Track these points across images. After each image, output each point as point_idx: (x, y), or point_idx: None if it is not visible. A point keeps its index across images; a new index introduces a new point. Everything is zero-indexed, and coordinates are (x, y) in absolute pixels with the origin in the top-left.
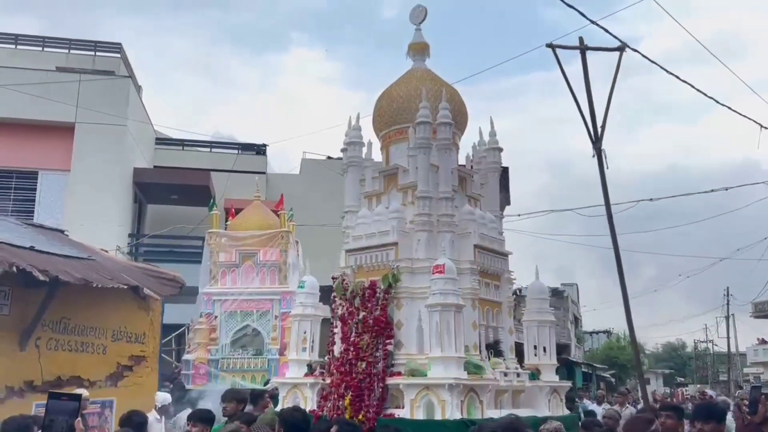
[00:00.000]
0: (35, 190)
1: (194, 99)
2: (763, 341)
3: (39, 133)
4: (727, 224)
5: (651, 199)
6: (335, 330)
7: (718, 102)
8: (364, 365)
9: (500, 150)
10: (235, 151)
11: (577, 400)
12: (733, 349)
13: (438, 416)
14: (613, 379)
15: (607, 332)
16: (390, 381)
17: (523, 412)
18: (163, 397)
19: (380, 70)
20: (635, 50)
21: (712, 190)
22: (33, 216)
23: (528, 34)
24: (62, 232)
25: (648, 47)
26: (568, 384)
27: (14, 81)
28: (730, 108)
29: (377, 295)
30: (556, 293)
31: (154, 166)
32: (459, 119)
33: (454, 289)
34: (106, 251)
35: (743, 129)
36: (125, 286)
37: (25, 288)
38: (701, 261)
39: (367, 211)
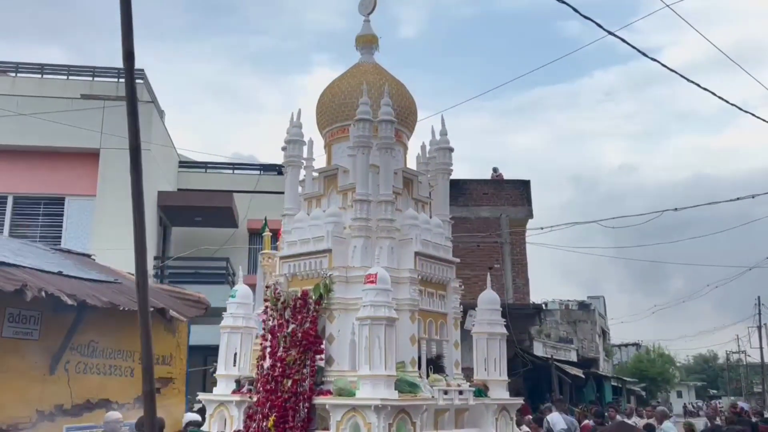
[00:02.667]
0: (62, 215)
1: (217, 122)
2: None
3: (65, 160)
4: (756, 232)
5: (676, 209)
6: (266, 343)
7: (741, 109)
8: (290, 383)
9: (451, 150)
10: (257, 172)
11: (606, 414)
12: (766, 360)
13: None
14: (643, 393)
15: (636, 345)
16: (317, 400)
17: None
18: (191, 417)
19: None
20: (654, 59)
21: (738, 198)
22: (60, 241)
23: (547, 46)
24: (89, 256)
25: (670, 57)
26: (518, 401)
27: (41, 110)
28: (753, 115)
29: (308, 306)
30: (582, 306)
31: (178, 189)
32: (406, 117)
33: (386, 300)
34: (132, 275)
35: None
36: (151, 309)
37: (53, 312)
38: (730, 270)
39: (304, 215)
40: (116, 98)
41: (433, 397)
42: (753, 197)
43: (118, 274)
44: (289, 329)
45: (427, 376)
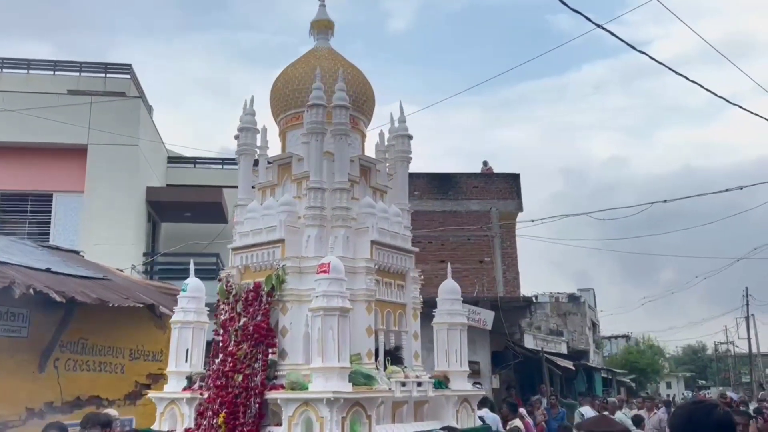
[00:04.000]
0: (50, 212)
1: (206, 117)
2: None
3: (52, 156)
4: (744, 224)
5: (665, 201)
6: (218, 338)
7: (728, 101)
8: (240, 378)
9: (409, 137)
10: None
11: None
12: (754, 350)
13: None
14: (633, 384)
15: (626, 336)
16: (269, 395)
17: (425, 426)
18: None
19: (392, 83)
20: (642, 52)
21: (727, 190)
22: (49, 238)
23: (536, 40)
24: (78, 253)
25: (659, 50)
26: (480, 392)
27: (27, 105)
28: (741, 107)
29: (260, 298)
30: (572, 299)
31: (167, 185)
32: (363, 104)
33: (340, 290)
34: (122, 271)
35: (757, 128)
36: (141, 305)
37: (42, 310)
38: (719, 262)
39: (257, 205)
40: (104, 93)
41: (390, 389)
42: (741, 188)
43: (107, 271)
44: (241, 323)
45: (385, 368)
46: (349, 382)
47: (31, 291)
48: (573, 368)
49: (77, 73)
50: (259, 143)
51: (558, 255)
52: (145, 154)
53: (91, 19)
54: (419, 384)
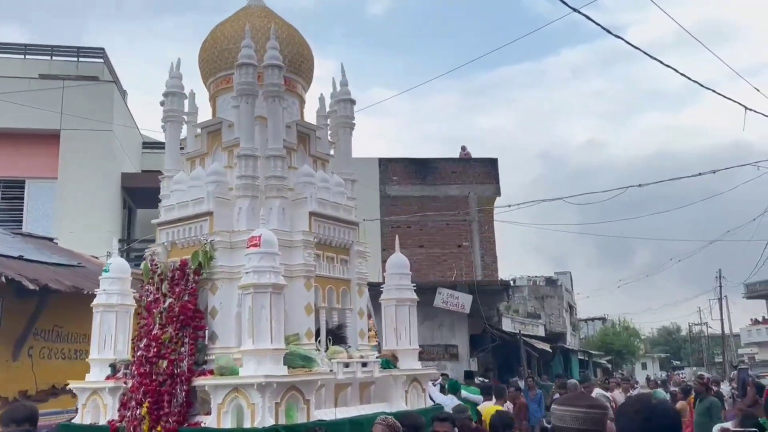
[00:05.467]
0: (23, 199)
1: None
2: (756, 322)
3: (24, 142)
4: (718, 207)
5: (640, 185)
6: (143, 321)
7: (702, 86)
8: (165, 364)
9: (352, 102)
10: None
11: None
12: (727, 331)
13: (248, 423)
14: (609, 365)
15: (602, 319)
16: (197, 382)
17: (371, 408)
18: None
19: (370, 68)
20: (619, 37)
21: (700, 174)
22: (21, 225)
23: (512, 23)
24: (51, 240)
25: (636, 35)
26: (430, 371)
27: None
28: (714, 91)
29: (187, 277)
30: (550, 282)
31: (142, 171)
32: (300, 65)
33: (272, 265)
34: (96, 258)
35: (732, 112)
36: None
37: (15, 298)
38: (693, 244)
39: (184, 176)
40: (76, 78)
41: (331, 371)
42: (714, 172)
43: (81, 258)
44: (166, 304)
45: (327, 348)
46: (285, 364)
47: (3, 279)
48: (550, 350)
49: (49, 57)
50: (188, 109)
51: (536, 239)
52: (120, 139)
53: (62, 2)
54: (364, 364)
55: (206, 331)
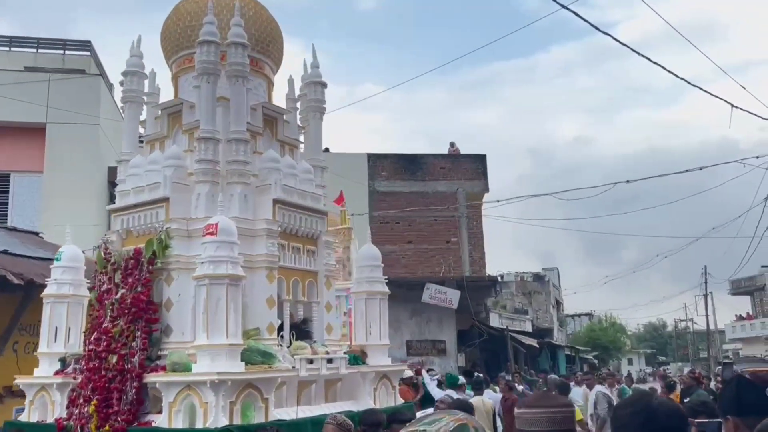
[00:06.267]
0: (8, 192)
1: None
2: (740, 318)
3: (9, 135)
4: (705, 204)
5: (627, 181)
6: (95, 313)
7: (689, 83)
8: (115, 359)
9: (323, 85)
10: None
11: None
12: (712, 327)
13: (200, 423)
14: (596, 361)
15: (589, 315)
16: (148, 378)
17: (336, 407)
18: None
19: (360, 63)
20: (607, 34)
21: (687, 170)
22: (6, 219)
23: (503, 20)
24: (37, 234)
25: (625, 32)
26: (401, 367)
27: None
28: (701, 89)
29: (141, 266)
30: (537, 278)
31: None
32: (268, 45)
33: (229, 255)
34: (83, 252)
35: (719, 110)
36: None
37: (0, 292)
38: (679, 241)
39: (141, 159)
40: (62, 71)
41: (293, 367)
42: (701, 169)
43: None
44: (118, 295)
45: (290, 344)
46: (243, 361)
47: None
48: (537, 346)
49: (35, 50)
50: (149, 90)
51: (524, 235)
52: (106, 133)
53: None
54: (330, 361)
55: (160, 325)
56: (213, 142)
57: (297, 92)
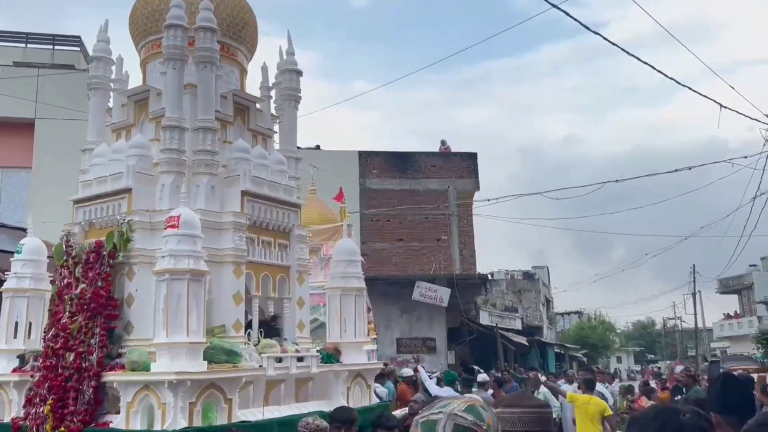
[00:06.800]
0: None
1: None
2: (728, 316)
3: None
4: (694, 203)
5: (617, 180)
6: (55, 309)
7: (678, 83)
8: (72, 356)
9: (299, 73)
10: None
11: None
12: (700, 325)
13: (158, 425)
14: (585, 359)
15: (579, 313)
16: (106, 377)
17: (307, 407)
18: None
19: (353, 61)
20: (597, 33)
21: (676, 170)
22: None
23: (495, 19)
24: (24, 230)
25: (615, 32)
26: (376, 365)
27: None
28: (690, 89)
29: (101, 260)
30: (527, 276)
31: None
32: (241, 30)
33: (191, 249)
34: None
35: (709, 110)
36: None
37: None
38: (668, 240)
39: (105, 148)
40: (52, 66)
41: (260, 366)
42: (690, 169)
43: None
44: (78, 290)
45: (259, 341)
46: (206, 359)
47: None
48: (527, 344)
49: (24, 45)
50: (117, 76)
51: (514, 233)
52: None
53: None
54: (300, 359)
55: (121, 321)
56: (179, 131)
57: (273, 81)
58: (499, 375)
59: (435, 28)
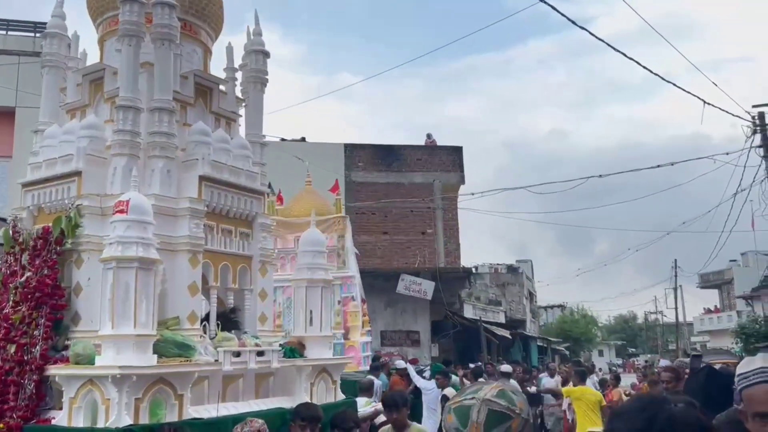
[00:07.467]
0: None
1: None
2: (708, 311)
3: None
4: (677, 199)
5: (600, 176)
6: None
7: (663, 78)
8: (14, 348)
9: (266, 54)
10: None
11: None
12: (681, 320)
13: (102, 422)
14: (567, 352)
15: (561, 306)
16: (50, 371)
17: (267, 403)
18: None
19: (339, 54)
20: (583, 28)
21: (659, 166)
22: None
23: (482, 12)
24: (4, 221)
25: (601, 27)
26: (344, 360)
27: None
28: (675, 85)
29: (49, 247)
30: (511, 270)
31: None
32: (204, 8)
33: (141, 236)
34: None
35: (693, 106)
36: None
37: None
38: (650, 235)
39: (57, 129)
40: (33, 54)
41: (216, 360)
42: (672, 164)
43: None
44: (23, 278)
45: (216, 335)
46: (157, 353)
47: None
48: (510, 337)
49: (4, 32)
50: (73, 54)
51: (499, 227)
52: None
53: None
54: (260, 353)
55: (68, 312)
56: (133, 111)
57: (240, 63)
58: (480, 366)
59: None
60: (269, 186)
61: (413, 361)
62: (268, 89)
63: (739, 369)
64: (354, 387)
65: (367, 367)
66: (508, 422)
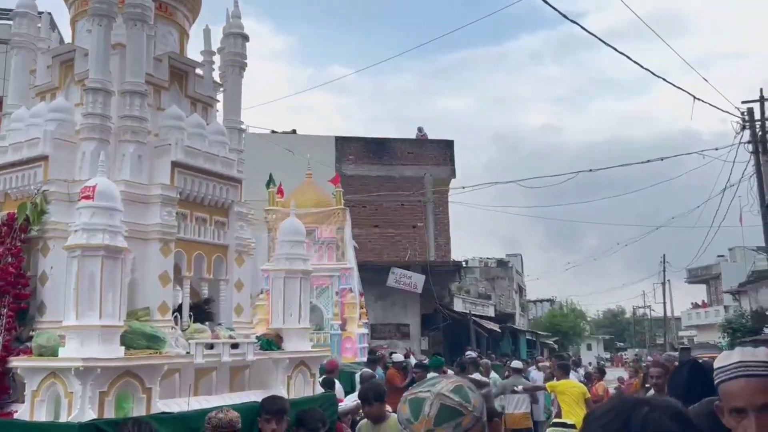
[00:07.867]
0: None
1: None
2: (696, 305)
3: None
4: (666, 194)
5: (590, 170)
6: None
7: (653, 74)
8: None
9: (245, 38)
10: None
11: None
12: (669, 314)
13: (65, 416)
14: (556, 346)
15: (551, 300)
16: (12, 363)
17: (241, 396)
18: None
19: (331, 47)
20: (575, 22)
21: (649, 161)
22: None
23: (476, 5)
24: None
25: (593, 22)
26: (322, 353)
27: None
28: (665, 80)
29: (13, 234)
30: (501, 264)
31: None
32: None
33: (108, 223)
34: None
35: (683, 102)
36: None
37: None
38: (640, 229)
39: (24, 112)
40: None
41: (188, 353)
42: (662, 160)
43: None
44: None
45: (188, 326)
46: (125, 345)
47: None
48: (499, 330)
49: None
50: (44, 35)
51: (489, 221)
52: None
53: None
54: (234, 345)
55: (33, 301)
56: (103, 94)
57: (218, 47)
58: (467, 359)
59: (413, 14)
60: (270, 178)
61: (406, 355)
62: (259, 81)
63: (717, 363)
64: (351, 377)
65: (364, 359)
66: (459, 418)
